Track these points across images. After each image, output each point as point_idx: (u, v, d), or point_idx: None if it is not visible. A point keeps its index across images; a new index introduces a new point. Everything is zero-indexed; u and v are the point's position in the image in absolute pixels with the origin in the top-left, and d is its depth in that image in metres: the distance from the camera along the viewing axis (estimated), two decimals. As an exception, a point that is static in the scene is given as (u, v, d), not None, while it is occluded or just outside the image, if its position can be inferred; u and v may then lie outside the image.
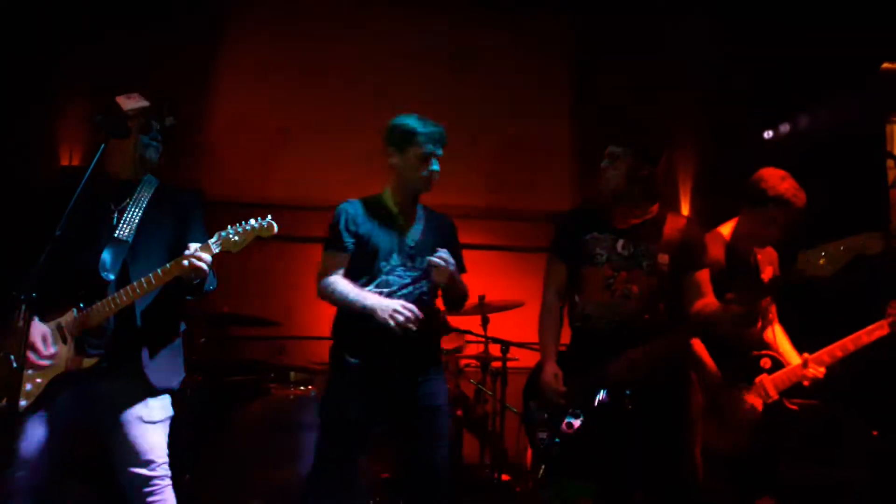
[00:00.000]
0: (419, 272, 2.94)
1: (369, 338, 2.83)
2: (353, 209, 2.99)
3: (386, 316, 2.73)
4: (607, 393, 2.77)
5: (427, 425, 2.89)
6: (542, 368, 2.90)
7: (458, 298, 3.06)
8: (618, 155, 2.85)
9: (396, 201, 3.02)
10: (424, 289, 2.95)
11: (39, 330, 2.47)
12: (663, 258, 2.82)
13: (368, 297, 2.83)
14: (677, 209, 5.69)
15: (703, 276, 2.86)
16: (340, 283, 2.89)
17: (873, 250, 2.47)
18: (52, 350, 2.48)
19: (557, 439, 2.84)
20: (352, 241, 2.93)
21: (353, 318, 2.86)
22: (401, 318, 2.73)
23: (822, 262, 2.50)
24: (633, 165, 2.84)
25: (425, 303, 2.91)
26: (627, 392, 2.72)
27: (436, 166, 2.98)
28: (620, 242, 2.87)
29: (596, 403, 2.78)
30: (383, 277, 2.90)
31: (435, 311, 3.05)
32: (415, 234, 3.00)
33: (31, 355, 2.44)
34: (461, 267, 3.03)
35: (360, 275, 2.92)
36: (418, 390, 2.89)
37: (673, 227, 2.87)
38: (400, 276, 2.91)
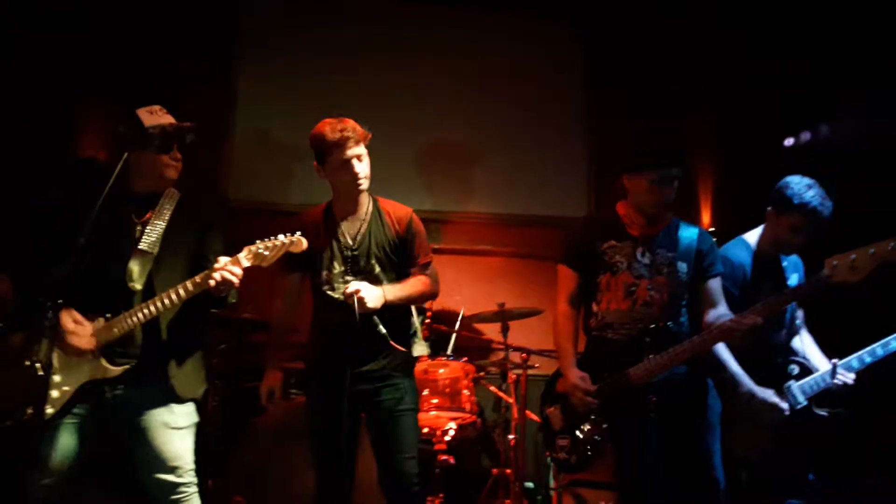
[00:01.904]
0: (363, 273, 2.89)
1: (324, 336, 2.90)
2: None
3: None
4: (629, 399, 2.75)
5: (390, 430, 2.88)
6: (565, 375, 2.88)
7: (416, 301, 3.03)
8: (675, 176, 2.84)
9: (338, 207, 3.00)
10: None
11: (69, 315, 2.48)
12: (681, 266, 2.85)
13: None
14: (697, 219, 5.64)
15: (715, 284, 2.90)
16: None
17: None
18: (88, 326, 2.50)
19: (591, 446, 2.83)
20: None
21: (316, 317, 2.96)
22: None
23: (849, 268, 2.46)
24: (679, 184, 2.87)
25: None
26: (652, 397, 2.70)
27: (360, 167, 2.91)
28: (640, 250, 2.88)
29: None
30: (329, 285, 2.91)
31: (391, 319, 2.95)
32: (354, 234, 2.95)
33: (72, 339, 2.47)
34: (413, 262, 2.98)
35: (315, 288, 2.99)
36: (381, 394, 2.88)
37: (687, 235, 2.91)
38: (345, 284, 2.86)
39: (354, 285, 2.76)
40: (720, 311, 2.84)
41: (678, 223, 2.96)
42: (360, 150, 2.91)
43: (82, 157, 4.91)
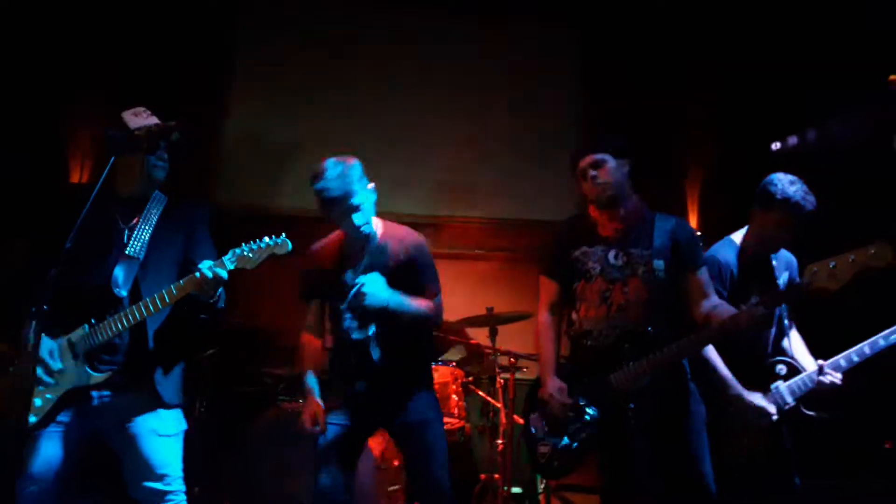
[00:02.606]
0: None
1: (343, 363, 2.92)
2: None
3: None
4: (611, 406, 2.73)
5: (416, 440, 2.89)
6: (543, 384, 2.85)
7: (413, 321, 2.94)
8: (602, 161, 2.80)
9: (342, 242, 3.02)
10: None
11: (47, 346, 2.47)
12: (658, 264, 2.76)
13: None
14: (685, 217, 5.66)
15: (703, 275, 2.81)
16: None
17: (881, 262, 2.42)
18: (59, 365, 2.48)
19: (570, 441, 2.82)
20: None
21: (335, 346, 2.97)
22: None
23: (828, 275, 2.45)
24: (617, 166, 2.80)
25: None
26: (631, 405, 2.68)
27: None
28: (612, 253, 2.82)
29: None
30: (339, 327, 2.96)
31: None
32: (357, 270, 2.93)
33: (38, 371, 2.43)
34: (418, 289, 2.92)
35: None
36: (403, 406, 2.89)
37: (663, 229, 2.82)
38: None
39: (364, 278, 2.77)
40: (715, 301, 2.76)
41: (654, 217, 2.86)
42: None
43: (74, 184, 4.90)
